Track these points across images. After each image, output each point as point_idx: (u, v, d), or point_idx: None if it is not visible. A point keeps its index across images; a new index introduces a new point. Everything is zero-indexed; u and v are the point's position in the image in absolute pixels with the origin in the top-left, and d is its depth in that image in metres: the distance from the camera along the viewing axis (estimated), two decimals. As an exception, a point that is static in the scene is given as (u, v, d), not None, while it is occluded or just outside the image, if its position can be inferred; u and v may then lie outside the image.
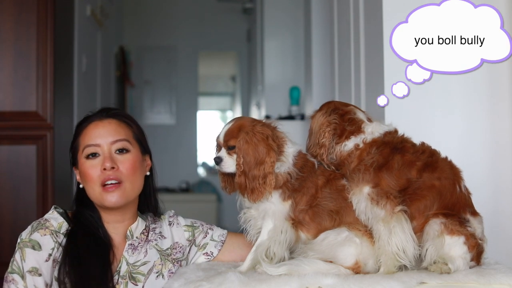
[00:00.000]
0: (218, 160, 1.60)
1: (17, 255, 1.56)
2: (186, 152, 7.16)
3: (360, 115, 1.66)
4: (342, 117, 1.64)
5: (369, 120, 1.66)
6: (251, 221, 1.61)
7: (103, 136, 1.63)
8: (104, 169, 1.60)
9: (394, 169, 1.54)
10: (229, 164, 1.59)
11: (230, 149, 1.59)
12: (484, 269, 1.51)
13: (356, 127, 1.62)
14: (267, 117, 4.32)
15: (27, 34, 3.17)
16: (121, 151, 1.64)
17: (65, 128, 3.57)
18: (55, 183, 3.21)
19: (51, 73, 3.19)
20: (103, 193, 1.61)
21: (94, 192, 1.62)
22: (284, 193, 1.56)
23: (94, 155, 1.62)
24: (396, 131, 1.64)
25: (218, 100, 8.00)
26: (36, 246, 1.55)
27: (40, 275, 1.53)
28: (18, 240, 1.58)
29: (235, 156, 1.57)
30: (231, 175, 1.62)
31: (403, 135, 1.64)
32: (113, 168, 1.61)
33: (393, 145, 1.59)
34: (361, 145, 1.60)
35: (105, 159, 1.61)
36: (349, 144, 1.61)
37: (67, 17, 3.69)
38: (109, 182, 1.61)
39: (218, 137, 1.63)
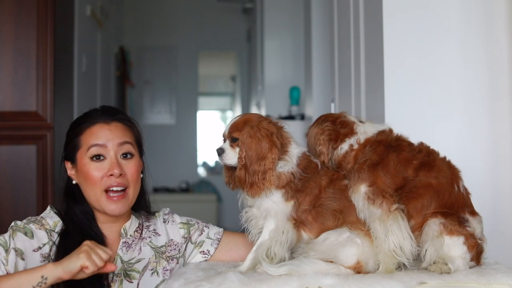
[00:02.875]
0: (220, 151, 1.60)
1: (6, 234, 1.54)
2: (186, 152, 7.16)
3: (351, 118, 1.69)
4: (334, 123, 1.67)
5: (361, 121, 1.68)
6: (252, 221, 1.61)
7: (110, 139, 1.63)
8: (111, 175, 1.60)
9: (390, 167, 1.55)
10: (231, 156, 1.58)
11: (233, 141, 1.58)
12: (484, 269, 1.51)
13: (349, 129, 1.65)
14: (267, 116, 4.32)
15: (27, 34, 3.17)
16: (126, 156, 1.64)
17: (65, 128, 3.55)
18: (55, 183, 3.21)
19: (51, 73, 3.19)
20: (107, 200, 1.61)
21: (96, 195, 1.62)
22: (287, 193, 1.56)
23: (99, 157, 1.61)
24: (390, 130, 1.65)
25: (218, 100, 8.01)
26: (29, 234, 1.55)
27: (23, 259, 1.51)
28: (12, 224, 1.57)
29: (237, 149, 1.57)
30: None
31: (398, 134, 1.65)
32: (120, 175, 1.60)
33: (387, 143, 1.60)
34: (356, 146, 1.62)
35: (112, 164, 1.61)
36: (345, 146, 1.64)
37: (67, 17, 3.69)
38: (114, 189, 1.60)
39: (224, 130, 1.63)
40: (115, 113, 1.69)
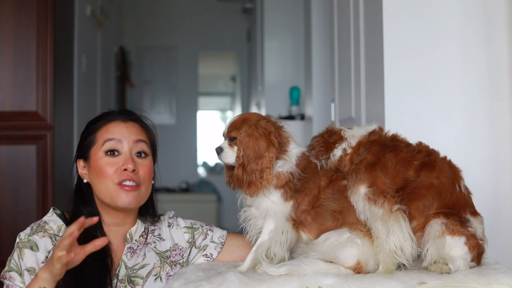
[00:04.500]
0: (218, 150, 1.60)
1: (15, 255, 1.55)
2: (186, 152, 7.16)
3: (339, 127, 1.71)
4: (322, 136, 1.70)
5: (348, 128, 1.70)
6: (251, 220, 1.61)
7: (126, 134, 1.63)
8: (125, 169, 1.60)
9: (388, 168, 1.55)
10: (229, 155, 1.58)
11: (232, 140, 1.58)
12: (484, 269, 1.51)
13: (337, 136, 1.67)
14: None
15: (27, 34, 3.17)
16: (140, 154, 1.64)
17: (65, 128, 3.57)
18: (55, 183, 3.21)
19: (51, 73, 3.19)
20: (119, 190, 1.60)
21: (108, 187, 1.61)
22: (286, 193, 1.56)
23: (113, 152, 1.62)
24: (381, 129, 1.66)
25: (218, 100, 8.00)
26: (34, 247, 1.55)
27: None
28: (17, 240, 1.57)
29: (236, 148, 1.57)
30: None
31: (393, 133, 1.65)
32: (134, 170, 1.61)
33: (382, 143, 1.60)
34: (349, 150, 1.63)
35: (126, 159, 1.61)
36: (337, 152, 1.65)
37: (67, 17, 3.69)
38: (127, 182, 1.60)
39: (224, 129, 1.64)
40: (132, 113, 1.71)
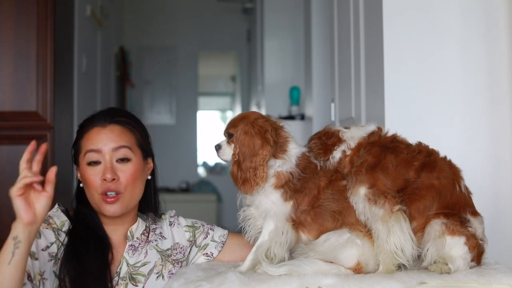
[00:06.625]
0: (217, 148, 1.62)
1: None
2: (186, 152, 7.16)
3: (336, 127, 1.70)
4: (320, 138, 1.69)
5: (346, 128, 1.69)
6: (250, 220, 1.61)
7: (105, 143, 1.62)
8: (104, 179, 1.60)
9: (389, 170, 1.54)
10: (226, 152, 1.60)
11: (229, 137, 1.60)
12: (484, 269, 1.51)
13: (335, 138, 1.66)
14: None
15: (27, 34, 3.16)
16: (122, 160, 1.63)
17: (65, 128, 3.57)
18: (55, 183, 3.20)
19: (51, 73, 3.18)
20: (103, 202, 1.61)
21: (94, 198, 1.63)
22: (285, 193, 1.56)
23: (95, 163, 1.62)
24: (380, 129, 1.65)
25: (218, 100, 8.01)
26: (37, 234, 1.55)
27: (36, 259, 1.53)
28: None
29: (233, 145, 1.58)
30: None
31: (393, 134, 1.65)
32: (113, 179, 1.60)
33: (382, 144, 1.60)
34: (348, 152, 1.63)
35: (106, 169, 1.61)
36: (336, 154, 1.65)
37: (67, 17, 3.69)
38: (109, 193, 1.61)
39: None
40: (115, 114, 1.68)
